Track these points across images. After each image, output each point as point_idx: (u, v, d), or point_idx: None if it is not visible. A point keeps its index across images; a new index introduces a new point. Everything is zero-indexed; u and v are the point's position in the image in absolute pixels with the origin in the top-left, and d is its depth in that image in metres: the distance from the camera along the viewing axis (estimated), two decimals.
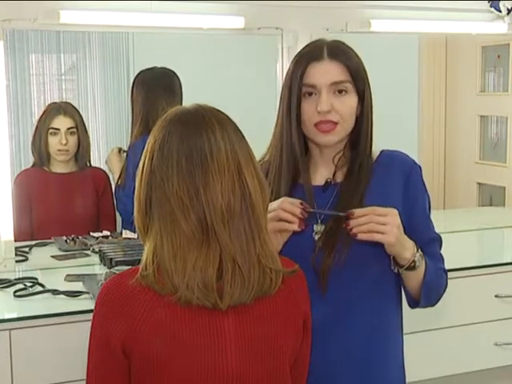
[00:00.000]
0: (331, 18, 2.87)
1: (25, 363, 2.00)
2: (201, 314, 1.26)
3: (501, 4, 3.11)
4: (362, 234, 1.47)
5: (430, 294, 1.62)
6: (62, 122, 2.92)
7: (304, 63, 1.57)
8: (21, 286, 2.24)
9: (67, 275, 2.38)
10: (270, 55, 2.92)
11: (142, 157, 1.32)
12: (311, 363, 1.48)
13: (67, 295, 2.16)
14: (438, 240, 1.67)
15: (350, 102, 1.58)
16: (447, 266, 1.68)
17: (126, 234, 2.82)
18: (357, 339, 1.58)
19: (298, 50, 1.63)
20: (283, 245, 1.52)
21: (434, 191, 3.95)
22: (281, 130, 1.62)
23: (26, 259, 2.63)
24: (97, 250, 2.66)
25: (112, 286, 1.30)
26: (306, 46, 1.62)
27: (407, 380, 1.71)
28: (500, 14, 3.12)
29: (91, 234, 2.86)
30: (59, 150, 2.93)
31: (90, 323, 1.32)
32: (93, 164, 3.08)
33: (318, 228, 1.58)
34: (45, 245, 2.81)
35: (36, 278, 2.30)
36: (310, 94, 1.57)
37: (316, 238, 1.57)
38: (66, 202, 2.98)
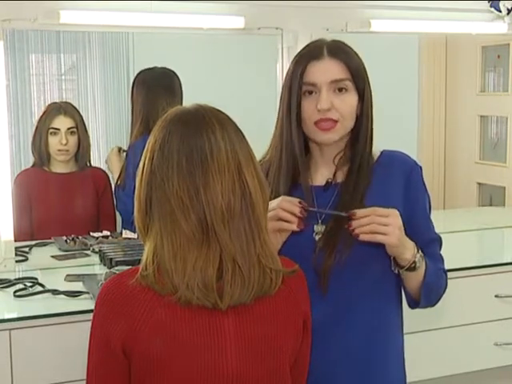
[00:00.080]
0: (331, 17, 2.87)
1: (25, 363, 2.00)
2: (201, 313, 1.26)
3: (501, 4, 3.11)
4: (364, 235, 1.47)
5: (430, 294, 1.62)
6: (62, 122, 2.92)
7: (304, 62, 1.57)
8: (21, 285, 2.24)
9: (67, 275, 2.37)
10: (269, 55, 2.92)
11: (143, 157, 1.32)
12: (311, 363, 1.48)
13: (67, 295, 2.16)
14: (438, 240, 1.67)
15: (350, 100, 1.58)
16: (447, 266, 1.68)
17: (126, 233, 2.82)
18: (357, 339, 1.58)
19: (298, 50, 1.63)
20: (284, 245, 1.52)
21: (434, 191, 3.95)
22: (281, 129, 1.62)
23: (26, 259, 2.63)
24: (97, 249, 2.66)
25: (112, 285, 1.30)
26: (306, 45, 1.63)
27: (407, 380, 1.71)
28: (500, 13, 3.12)
29: (91, 233, 2.86)
30: (59, 150, 2.93)
31: (90, 323, 1.32)
32: (93, 164, 3.08)
33: (319, 228, 1.58)
34: (45, 245, 2.81)
35: (36, 278, 2.30)
36: (310, 92, 1.57)
37: (316, 238, 1.57)
38: (66, 202, 2.98)
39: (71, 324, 2.02)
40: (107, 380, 1.31)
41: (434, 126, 4.18)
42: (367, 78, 1.61)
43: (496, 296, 2.59)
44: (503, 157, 3.81)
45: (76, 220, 2.96)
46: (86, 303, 2.08)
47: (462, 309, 2.53)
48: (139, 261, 1.30)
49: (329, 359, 1.57)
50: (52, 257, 2.66)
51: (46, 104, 3.14)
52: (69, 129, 2.93)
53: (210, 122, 1.29)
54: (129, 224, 2.77)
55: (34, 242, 2.80)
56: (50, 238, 2.85)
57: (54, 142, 2.92)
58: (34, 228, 2.91)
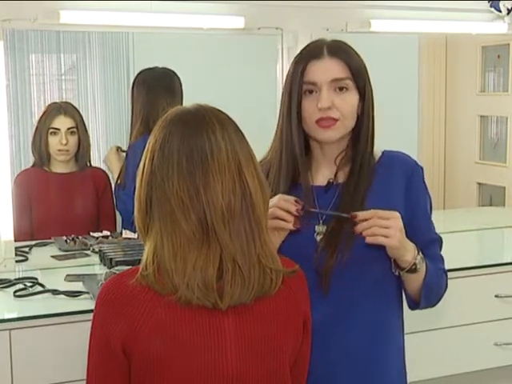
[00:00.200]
0: (331, 17, 2.87)
1: (25, 363, 2.00)
2: (201, 313, 1.26)
3: (501, 4, 3.11)
4: (368, 238, 1.47)
5: (431, 295, 1.62)
6: (63, 122, 2.92)
7: (304, 61, 1.57)
8: (21, 286, 2.24)
9: (67, 275, 2.37)
10: (270, 55, 2.92)
11: (143, 157, 1.32)
12: (312, 363, 1.47)
13: (67, 295, 2.16)
14: (438, 241, 1.67)
15: (351, 99, 1.58)
16: (447, 266, 1.68)
17: (126, 233, 2.82)
18: (358, 339, 1.58)
19: (298, 50, 1.63)
20: (285, 245, 1.52)
21: (434, 191, 3.95)
22: (281, 129, 1.62)
23: (26, 259, 2.63)
24: (97, 249, 2.66)
25: (112, 285, 1.30)
26: (307, 45, 1.63)
27: (407, 380, 1.71)
28: (500, 14, 3.12)
29: (91, 233, 2.86)
30: (59, 150, 2.93)
31: (90, 323, 1.32)
32: (93, 164, 3.08)
33: (320, 229, 1.58)
34: (45, 245, 2.81)
35: (36, 278, 2.30)
36: (311, 91, 1.57)
37: (318, 238, 1.57)
38: (66, 202, 2.98)
39: (71, 324, 2.02)
40: (107, 380, 1.31)
41: (434, 125, 4.18)
42: (368, 77, 1.61)
43: (496, 296, 2.59)
44: (503, 157, 3.81)
45: (76, 220, 2.96)
46: (86, 303, 2.08)
47: (462, 309, 2.53)
48: (139, 261, 1.30)
49: (329, 359, 1.57)
50: (52, 257, 2.66)
51: (46, 104, 3.14)
52: (69, 129, 2.93)
53: (210, 122, 1.29)
54: (129, 224, 2.77)
55: (34, 242, 2.80)
56: (50, 238, 2.85)
57: (54, 142, 2.92)
58: (34, 228, 2.91)
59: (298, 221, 1.50)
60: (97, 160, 3.21)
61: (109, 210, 3.04)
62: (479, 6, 3.12)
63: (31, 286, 2.23)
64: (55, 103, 3.04)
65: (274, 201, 1.50)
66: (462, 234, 3.15)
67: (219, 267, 1.26)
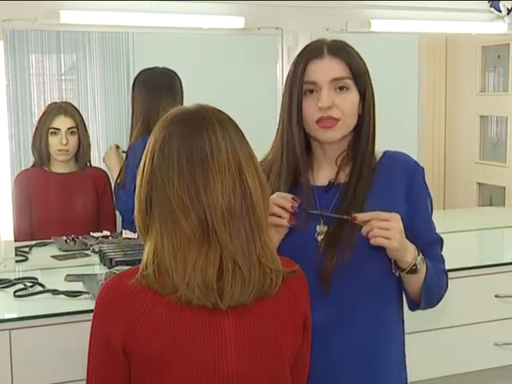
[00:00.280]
0: (331, 17, 2.87)
1: (25, 363, 2.00)
2: (201, 313, 1.26)
3: (501, 4, 3.11)
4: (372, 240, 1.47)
5: (431, 295, 1.62)
6: (63, 122, 2.92)
7: (304, 61, 1.58)
8: (21, 286, 2.24)
9: (67, 275, 2.37)
10: (270, 55, 2.92)
11: (143, 157, 1.32)
12: (312, 364, 1.47)
13: (67, 295, 2.16)
14: (439, 241, 1.67)
15: (352, 98, 1.58)
16: (447, 266, 1.68)
17: (126, 233, 2.82)
18: (358, 340, 1.58)
19: (298, 50, 1.63)
20: (286, 245, 1.52)
21: (434, 191, 3.94)
22: (282, 129, 1.62)
23: (26, 259, 2.63)
24: (97, 249, 2.66)
25: (112, 285, 1.30)
26: (307, 45, 1.63)
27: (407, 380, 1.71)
28: (500, 13, 3.12)
29: (91, 234, 2.86)
30: (59, 150, 2.93)
31: (90, 323, 1.32)
32: (93, 164, 3.08)
33: (321, 228, 1.57)
34: (45, 245, 2.81)
35: (36, 278, 2.30)
36: (312, 91, 1.57)
37: (319, 238, 1.57)
38: (66, 202, 2.98)
39: (71, 324, 2.02)
40: (107, 380, 1.31)
41: (434, 125, 4.18)
42: (369, 77, 1.61)
43: (496, 296, 2.59)
44: (503, 157, 3.81)
45: (76, 220, 2.96)
46: (86, 303, 2.08)
47: (462, 309, 2.53)
48: (139, 261, 1.30)
49: (330, 360, 1.56)
50: (52, 257, 2.66)
51: (46, 104, 3.14)
52: (69, 129, 2.93)
53: (210, 122, 1.29)
54: (129, 223, 2.77)
55: (34, 242, 2.80)
56: (50, 238, 2.85)
57: (54, 142, 2.92)
58: (34, 228, 2.91)
59: (294, 218, 1.50)
60: (97, 160, 3.21)
61: (109, 209, 3.04)
62: (479, 5, 3.12)
63: (31, 286, 2.23)
64: (55, 103, 3.04)
65: (271, 198, 1.50)
66: (461, 234, 3.15)
67: (219, 267, 1.26)
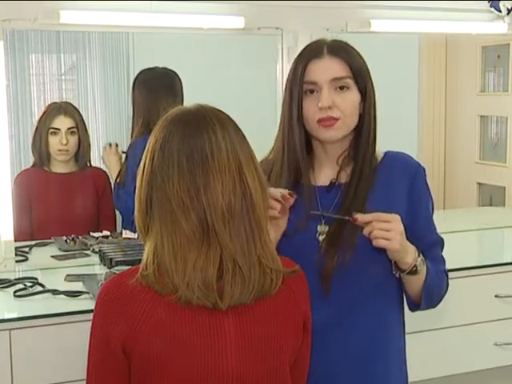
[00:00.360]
0: (331, 17, 2.87)
1: (25, 363, 2.00)
2: (201, 313, 1.26)
3: (501, 4, 3.11)
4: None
5: (431, 296, 1.62)
6: (63, 122, 2.92)
7: (304, 61, 1.58)
8: (21, 286, 2.24)
9: (67, 275, 2.37)
10: (270, 55, 2.92)
11: (143, 157, 1.32)
12: (313, 364, 1.47)
13: (67, 295, 2.16)
14: (440, 242, 1.67)
15: (352, 98, 1.58)
16: (447, 266, 1.68)
17: (126, 233, 2.82)
18: (359, 340, 1.58)
19: (298, 51, 1.63)
20: (287, 245, 1.52)
21: (434, 191, 3.91)
22: (283, 129, 1.62)
23: (26, 259, 2.63)
24: (97, 249, 2.66)
25: (112, 285, 1.30)
26: (307, 45, 1.63)
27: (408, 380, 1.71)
28: (500, 14, 3.12)
29: (91, 234, 2.86)
30: (59, 150, 2.93)
31: (90, 323, 1.32)
32: (93, 164, 3.08)
33: (322, 228, 1.57)
34: (45, 245, 2.81)
35: (36, 278, 2.30)
36: (312, 91, 1.57)
37: (320, 238, 1.57)
38: (66, 202, 2.98)
39: (71, 324, 2.02)
40: (107, 380, 1.31)
41: (434, 125, 4.18)
42: (370, 76, 1.61)
43: (496, 296, 2.59)
44: (503, 157, 3.81)
45: (76, 220, 2.96)
46: (86, 303, 2.08)
47: (462, 309, 2.53)
48: (139, 261, 1.30)
49: (330, 360, 1.56)
50: (52, 257, 2.66)
51: (46, 104, 3.14)
52: (69, 129, 2.93)
53: (210, 122, 1.29)
54: (129, 222, 2.77)
55: (34, 242, 2.80)
56: (50, 238, 2.85)
57: (54, 142, 2.92)
58: (34, 228, 2.91)
59: (286, 209, 1.50)
60: (97, 160, 3.21)
61: (109, 209, 3.04)
62: (479, 5, 3.12)
63: (31, 286, 2.23)
64: (55, 103, 3.04)
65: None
66: (461, 234, 3.15)
67: (219, 267, 1.26)
